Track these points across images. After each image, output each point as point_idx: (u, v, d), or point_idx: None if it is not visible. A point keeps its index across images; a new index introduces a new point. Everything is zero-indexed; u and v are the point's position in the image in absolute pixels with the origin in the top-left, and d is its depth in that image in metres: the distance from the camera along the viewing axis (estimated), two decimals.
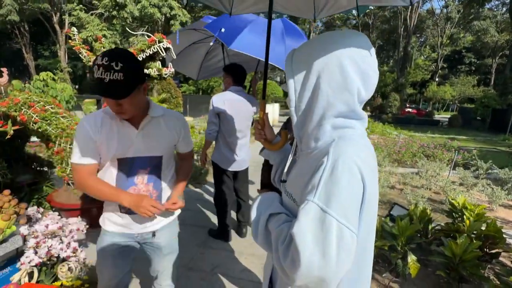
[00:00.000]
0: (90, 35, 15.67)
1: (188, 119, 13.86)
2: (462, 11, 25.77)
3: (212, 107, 2.31)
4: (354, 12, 1.50)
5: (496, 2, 25.82)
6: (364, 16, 30.72)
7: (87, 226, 1.90)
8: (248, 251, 2.54)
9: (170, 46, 2.29)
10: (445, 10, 27.90)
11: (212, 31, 2.07)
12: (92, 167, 1.13)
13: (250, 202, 2.67)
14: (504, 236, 2.25)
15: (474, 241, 1.98)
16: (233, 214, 2.84)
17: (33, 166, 3.27)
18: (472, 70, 33.70)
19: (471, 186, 4.33)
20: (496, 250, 2.30)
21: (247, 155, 2.55)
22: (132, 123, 1.11)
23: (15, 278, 1.35)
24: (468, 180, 4.44)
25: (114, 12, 15.45)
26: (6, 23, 19.52)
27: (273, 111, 12.26)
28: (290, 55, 0.74)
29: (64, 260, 1.57)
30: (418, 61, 28.82)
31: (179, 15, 16.69)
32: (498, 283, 1.95)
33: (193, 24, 2.94)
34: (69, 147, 2.62)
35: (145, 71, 2.34)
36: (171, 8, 16.19)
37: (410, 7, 26.94)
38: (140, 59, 2.31)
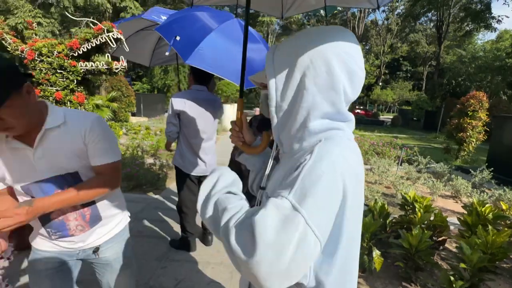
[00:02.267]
0: (20, 22, 13.55)
1: (143, 119, 12.91)
2: (400, 24, 29.10)
3: (172, 107, 2.12)
4: (322, 12, 1.48)
5: (425, 18, 29.71)
6: (318, 22, 32.58)
7: (13, 250, 1.55)
8: (214, 260, 2.39)
9: (122, 37, 2.02)
10: (386, 22, 31.18)
11: (165, 38, 1.83)
12: None
13: None
14: (448, 224, 2.52)
15: (426, 231, 2.15)
16: (197, 221, 2.66)
17: None
18: (408, 76, 38.20)
19: (415, 179, 4.82)
20: (443, 237, 2.55)
21: (213, 159, 2.39)
22: (26, 141, 0.88)
23: None
24: (412, 175, 4.93)
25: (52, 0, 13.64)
26: None
27: (233, 111, 12.08)
28: (271, 53, 0.69)
29: None
30: (365, 67, 31.62)
31: (131, 8, 15.50)
32: (449, 267, 2.15)
33: (135, 17, 2.65)
34: None
35: (92, 64, 2.04)
36: None
37: (357, 16, 29.53)
38: (84, 49, 2.00)
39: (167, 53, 1.92)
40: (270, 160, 0.76)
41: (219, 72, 1.85)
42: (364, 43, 35.89)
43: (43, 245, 1.05)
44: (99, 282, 1.22)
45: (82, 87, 2.16)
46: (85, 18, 2.02)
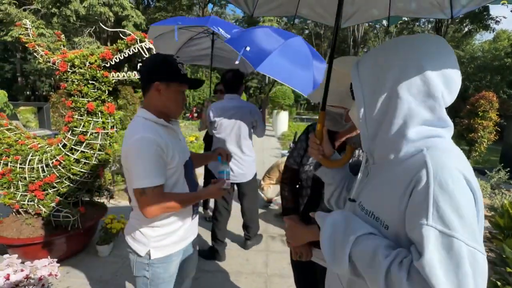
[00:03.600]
0: (23, 33, 13.61)
1: None
2: (398, 26, 29.30)
3: (208, 116, 2.33)
4: (384, 22, 1.47)
5: (424, 20, 29.90)
6: (316, 26, 32.82)
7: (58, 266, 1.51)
8: (246, 269, 2.35)
9: (152, 47, 2.01)
10: (384, 24, 31.44)
11: (235, 48, 1.96)
12: (163, 186, 1.09)
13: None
14: None
15: None
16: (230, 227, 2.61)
17: None
18: None
19: None
20: None
21: (249, 167, 2.41)
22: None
23: None
24: None
25: (54, 10, 13.71)
26: None
27: (278, 119, 10.12)
28: (354, 66, 0.71)
29: None
30: None
31: (132, 16, 15.60)
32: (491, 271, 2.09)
33: (188, 19, 3.04)
34: (20, 167, 2.11)
35: (124, 74, 2.02)
36: (123, 8, 15.04)
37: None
38: (117, 60, 1.99)
39: (236, 62, 2.00)
40: (360, 172, 0.75)
41: (288, 82, 1.96)
42: (362, 45, 36.15)
43: (176, 246, 1.20)
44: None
45: (112, 98, 2.14)
46: (118, 29, 2.01)
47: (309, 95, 0.96)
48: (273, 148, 8.13)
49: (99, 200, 2.67)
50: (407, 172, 0.58)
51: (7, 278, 1.16)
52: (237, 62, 1.92)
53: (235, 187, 2.48)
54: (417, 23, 29.73)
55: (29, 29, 2.04)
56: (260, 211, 3.55)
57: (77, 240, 2.32)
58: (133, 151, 1.03)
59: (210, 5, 22.29)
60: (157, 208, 1.03)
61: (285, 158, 3.84)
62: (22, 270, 1.23)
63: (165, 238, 1.16)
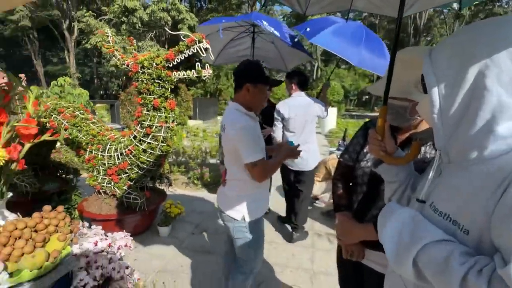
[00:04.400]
0: (100, 41, 15.80)
1: (198, 122, 13.75)
2: (473, 8, 25.30)
3: (277, 113, 2.57)
4: (455, 5, 1.34)
5: None
6: (370, 16, 30.45)
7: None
8: (292, 264, 2.38)
9: (209, 47, 2.15)
10: (455, 7, 27.51)
11: (298, 30, 2.56)
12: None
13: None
14: None
15: None
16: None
17: (58, 174, 3.17)
18: None
19: None
20: None
21: (313, 158, 2.69)
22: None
23: None
24: None
25: (123, 18, 15.51)
26: (18, 29, 19.85)
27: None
28: (427, 56, 0.64)
29: (114, 280, 1.43)
30: None
31: (187, 19, 16.70)
32: None
33: (232, 17, 3.17)
34: (101, 154, 2.50)
35: (184, 73, 2.21)
36: (179, 12, 16.22)
37: None
38: (178, 60, 2.19)
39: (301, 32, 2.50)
40: (431, 171, 0.70)
41: (341, 53, 2.27)
42: (425, 34, 32.29)
43: (262, 210, 1.55)
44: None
45: (173, 95, 2.37)
46: (182, 32, 2.20)
47: (369, 88, 0.92)
48: (320, 145, 7.92)
49: (159, 187, 3.00)
50: (497, 172, 0.52)
51: (96, 244, 1.41)
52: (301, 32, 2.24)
53: (293, 176, 2.75)
54: (497, 3, 25.21)
55: (109, 37, 2.37)
56: None
57: (142, 220, 2.65)
58: (242, 136, 1.33)
59: (258, 4, 22.51)
60: (266, 173, 1.38)
61: (332, 156, 3.74)
62: (105, 239, 1.47)
63: (254, 205, 1.47)
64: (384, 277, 0.84)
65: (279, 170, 2.88)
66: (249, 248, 1.53)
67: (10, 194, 1.23)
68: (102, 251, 1.44)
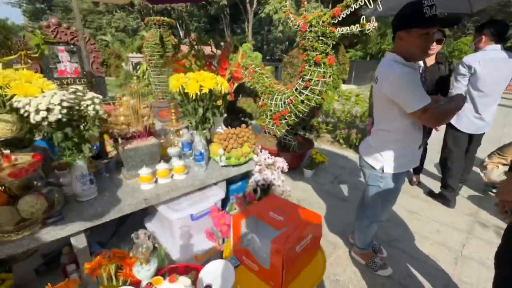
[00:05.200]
0: (271, 9, 17.81)
1: (351, 86, 13.12)
2: None
3: (463, 67, 2.28)
4: None
5: None
6: None
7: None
8: (435, 238, 2.19)
9: None
10: None
11: None
12: None
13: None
14: None
15: None
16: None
17: (239, 116, 4.33)
18: None
19: None
20: None
21: (491, 119, 2.41)
22: None
23: (248, 189, 1.87)
24: None
25: None
26: (219, 8, 25.73)
27: None
28: None
29: (273, 185, 2.01)
30: None
31: None
32: None
33: None
34: (269, 102, 3.17)
35: (347, 28, 2.30)
36: None
37: None
38: (344, 16, 2.28)
39: None
40: None
41: None
42: None
43: (400, 168, 1.50)
44: None
45: (333, 51, 2.54)
46: None
47: None
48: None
49: (309, 137, 3.44)
50: None
51: (265, 159, 1.98)
52: None
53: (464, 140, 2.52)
54: None
55: (286, 4, 2.79)
56: (475, 194, 2.91)
57: (293, 159, 3.23)
58: (400, 86, 1.23)
59: None
60: (440, 117, 1.27)
61: None
62: (271, 159, 2.04)
63: (396, 158, 1.45)
64: None
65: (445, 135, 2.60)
66: (378, 198, 1.59)
67: (225, 115, 1.97)
68: (268, 165, 2.02)
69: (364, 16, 2.17)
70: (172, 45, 5.39)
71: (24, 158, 1.02)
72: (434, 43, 2.45)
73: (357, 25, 2.22)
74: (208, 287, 0.95)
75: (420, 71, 2.48)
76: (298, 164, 3.37)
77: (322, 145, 4.50)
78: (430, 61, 2.57)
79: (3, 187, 1.01)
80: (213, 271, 1.01)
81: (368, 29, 2.18)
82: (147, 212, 1.78)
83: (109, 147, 1.65)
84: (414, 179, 3.07)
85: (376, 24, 2.17)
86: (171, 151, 1.67)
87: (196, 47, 2.36)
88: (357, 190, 2.94)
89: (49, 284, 1.19)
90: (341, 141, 4.47)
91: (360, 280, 1.74)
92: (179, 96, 1.59)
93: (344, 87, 12.66)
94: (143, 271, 0.92)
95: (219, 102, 1.75)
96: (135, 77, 9.79)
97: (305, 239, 1.01)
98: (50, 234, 1.08)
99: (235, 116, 4.26)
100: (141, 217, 1.80)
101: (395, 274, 1.79)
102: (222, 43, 2.79)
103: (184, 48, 4.37)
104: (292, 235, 0.96)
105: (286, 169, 2.18)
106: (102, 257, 1.19)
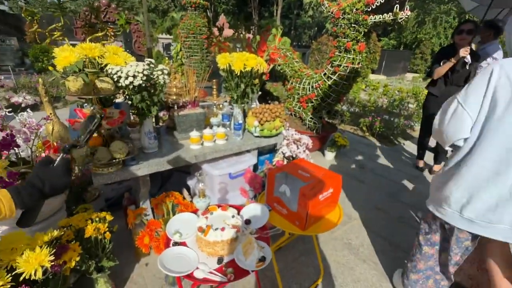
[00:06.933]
0: None
1: (381, 77, 12.70)
2: None
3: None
4: None
5: None
6: None
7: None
8: None
9: None
10: None
11: None
12: None
13: None
14: None
15: None
16: None
17: (266, 99, 4.54)
18: None
19: None
20: None
21: None
22: None
23: (275, 160, 2.13)
24: None
25: None
26: None
27: None
28: None
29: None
30: None
31: None
32: None
33: None
34: (298, 86, 3.35)
35: (380, 16, 2.40)
36: None
37: None
38: (378, 4, 2.38)
39: None
40: None
41: None
42: None
43: None
44: None
45: (364, 38, 2.65)
46: None
47: None
48: None
49: (331, 121, 3.60)
50: None
51: (292, 135, 2.21)
52: None
53: None
54: None
55: None
56: None
57: (316, 141, 3.42)
58: None
59: None
60: None
61: None
62: (297, 135, 2.27)
63: None
64: None
65: None
66: None
67: (260, 92, 2.21)
68: (295, 141, 2.26)
69: (397, 5, 2.26)
70: (206, 28, 5.63)
71: (114, 113, 1.34)
72: (464, 34, 2.50)
73: (390, 13, 2.31)
74: (248, 221, 1.24)
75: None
76: (320, 146, 3.57)
77: (345, 130, 4.62)
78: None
79: (99, 134, 1.34)
80: (251, 211, 1.29)
81: (401, 18, 2.27)
82: (188, 173, 2.11)
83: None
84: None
85: (409, 12, 2.26)
86: (214, 120, 1.96)
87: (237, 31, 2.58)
88: (375, 174, 3.10)
89: (129, 208, 1.54)
90: (364, 128, 4.57)
91: (369, 245, 1.97)
92: (223, 73, 1.85)
93: (372, 77, 12.32)
94: (201, 202, 1.22)
95: (256, 81, 1.99)
96: (166, 58, 10.23)
97: (327, 191, 1.26)
98: (129, 172, 1.41)
99: (262, 98, 4.48)
100: (181, 178, 2.14)
101: None
102: (252, 27, 2.98)
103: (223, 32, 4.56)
104: (317, 186, 1.21)
105: (310, 146, 2.41)
106: (164, 195, 1.53)
